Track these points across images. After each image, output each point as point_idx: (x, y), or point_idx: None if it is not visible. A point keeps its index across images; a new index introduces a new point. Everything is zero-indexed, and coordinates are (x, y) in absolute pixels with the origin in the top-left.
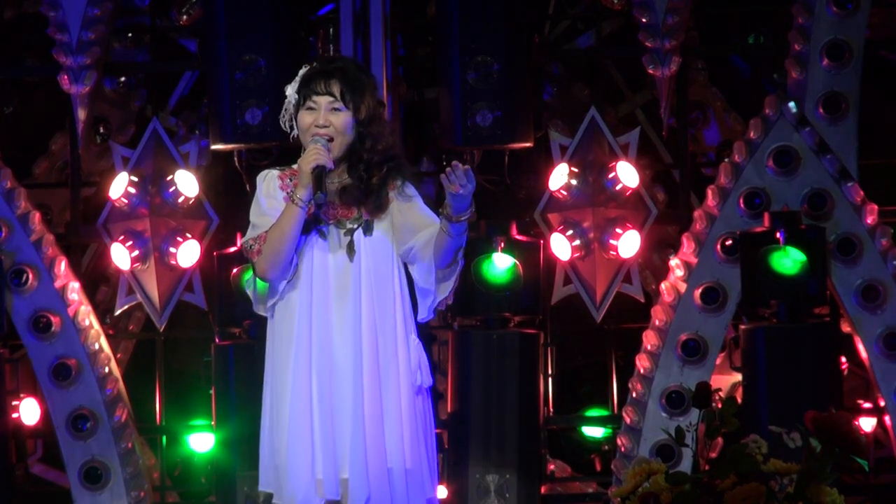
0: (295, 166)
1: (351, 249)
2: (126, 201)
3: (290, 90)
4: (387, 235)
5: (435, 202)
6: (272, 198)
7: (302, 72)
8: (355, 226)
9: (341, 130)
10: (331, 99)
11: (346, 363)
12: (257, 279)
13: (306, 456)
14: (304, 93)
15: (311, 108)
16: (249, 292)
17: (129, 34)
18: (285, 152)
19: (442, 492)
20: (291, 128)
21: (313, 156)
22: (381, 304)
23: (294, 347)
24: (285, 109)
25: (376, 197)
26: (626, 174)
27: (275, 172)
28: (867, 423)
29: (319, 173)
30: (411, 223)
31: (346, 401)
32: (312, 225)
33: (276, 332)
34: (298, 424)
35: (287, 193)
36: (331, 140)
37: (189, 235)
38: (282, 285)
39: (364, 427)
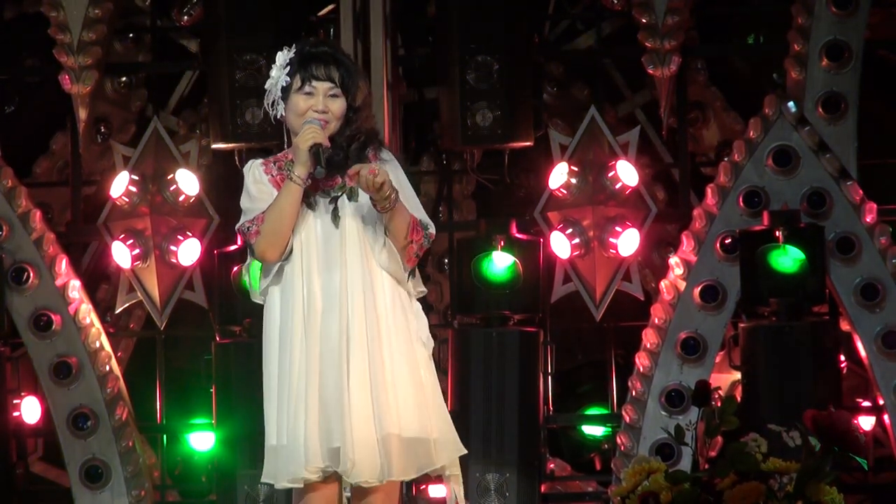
0: (279, 154)
1: (335, 216)
2: (127, 200)
3: (276, 72)
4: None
5: (435, 202)
6: (259, 183)
7: (287, 55)
8: (339, 193)
9: (338, 116)
10: (331, 85)
11: (332, 330)
12: (249, 272)
13: (298, 430)
14: (303, 76)
15: (309, 93)
16: (247, 280)
17: (130, 34)
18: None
19: (442, 490)
20: (273, 109)
21: (310, 135)
22: (368, 269)
23: (285, 321)
24: (269, 92)
25: (356, 160)
26: (626, 173)
27: (258, 161)
28: (866, 422)
29: (317, 151)
30: None
31: (334, 368)
32: (301, 198)
33: (270, 310)
34: (286, 399)
35: (272, 176)
36: (325, 124)
37: (189, 234)
38: (276, 267)
39: (349, 394)
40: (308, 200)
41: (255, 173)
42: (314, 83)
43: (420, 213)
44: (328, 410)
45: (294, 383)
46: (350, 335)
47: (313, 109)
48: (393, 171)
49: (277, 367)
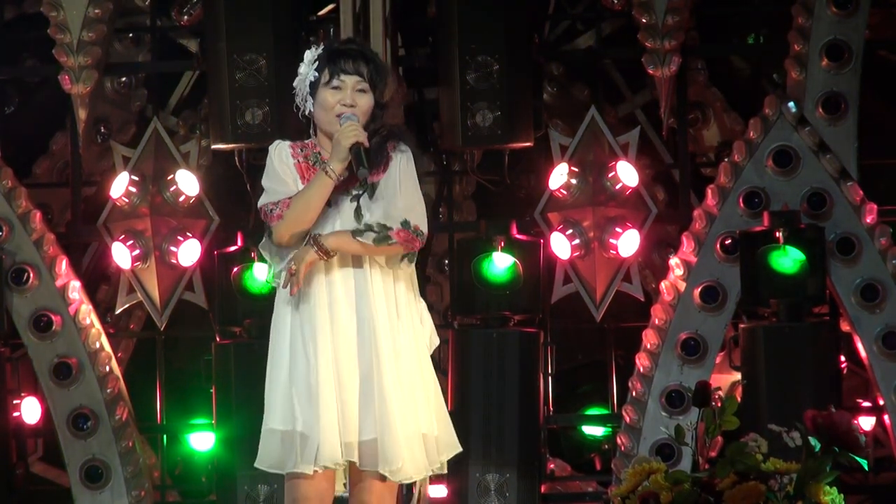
0: (307, 142)
1: (358, 214)
2: (127, 200)
3: (305, 68)
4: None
5: (435, 202)
6: (285, 164)
7: (314, 53)
8: (361, 191)
9: (365, 111)
10: (358, 79)
11: (352, 329)
12: (270, 255)
13: (326, 419)
14: (330, 70)
15: (337, 87)
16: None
17: (130, 34)
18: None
19: (442, 490)
20: (302, 105)
21: (352, 133)
22: (386, 269)
23: (304, 309)
24: (296, 86)
25: (376, 154)
26: (626, 174)
27: (286, 143)
28: (866, 422)
29: (358, 150)
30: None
31: (352, 367)
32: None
33: (282, 300)
34: (297, 389)
35: (298, 162)
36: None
37: (189, 234)
38: (290, 254)
39: (385, 390)
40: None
41: (283, 154)
42: (342, 77)
43: (412, 214)
44: (368, 405)
45: (321, 374)
46: (377, 331)
47: (341, 103)
48: (399, 164)
49: (289, 355)
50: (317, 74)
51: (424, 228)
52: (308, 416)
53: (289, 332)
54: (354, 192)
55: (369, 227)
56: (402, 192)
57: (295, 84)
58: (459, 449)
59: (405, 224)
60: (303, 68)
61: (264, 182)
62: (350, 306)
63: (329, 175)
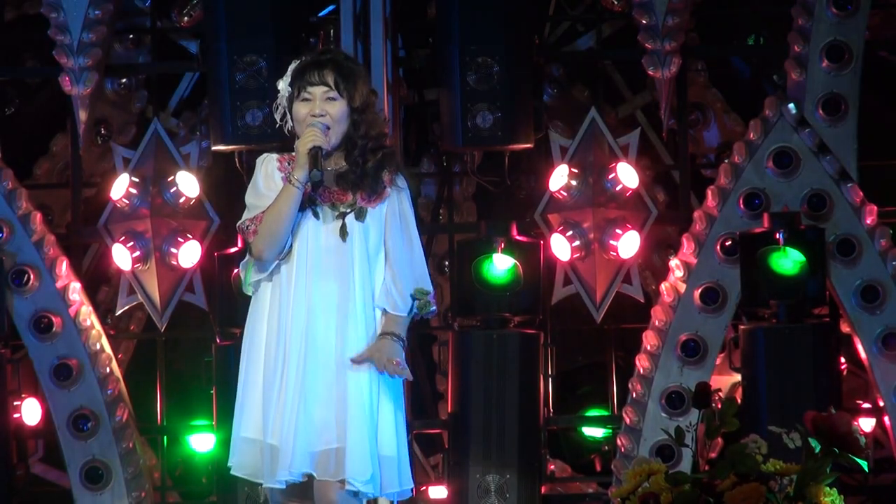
0: (293, 154)
1: (343, 231)
2: (127, 202)
3: (283, 84)
4: (379, 224)
5: (435, 203)
6: (270, 178)
7: (292, 66)
8: (348, 210)
9: (337, 119)
10: (325, 88)
11: (328, 343)
12: (247, 267)
13: (289, 432)
14: (299, 84)
15: (306, 99)
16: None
17: (130, 35)
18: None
19: (442, 492)
20: (283, 121)
21: (310, 137)
22: (369, 290)
23: (273, 322)
24: (277, 104)
25: (372, 181)
26: (626, 175)
27: (274, 156)
28: (866, 424)
29: (315, 154)
30: (387, 246)
31: (323, 380)
32: (307, 204)
33: (259, 306)
34: (269, 400)
35: (285, 175)
36: (328, 129)
37: (190, 236)
38: (273, 265)
39: (350, 405)
40: (315, 209)
41: (269, 167)
42: (310, 89)
43: (418, 269)
44: (313, 416)
45: (291, 385)
46: (350, 348)
47: (311, 114)
48: (400, 204)
49: (263, 363)
50: (290, 89)
51: (428, 291)
52: (277, 428)
53: (264, 340)
54: (342, 209)
55: (414, 297)
56: (415, 248)
57: (276, 102)
58: (411, 485)
59: (431, 287)
60: (281, 85)
61: (247, 198)
62: (328, 320)
63: (294, 184)
